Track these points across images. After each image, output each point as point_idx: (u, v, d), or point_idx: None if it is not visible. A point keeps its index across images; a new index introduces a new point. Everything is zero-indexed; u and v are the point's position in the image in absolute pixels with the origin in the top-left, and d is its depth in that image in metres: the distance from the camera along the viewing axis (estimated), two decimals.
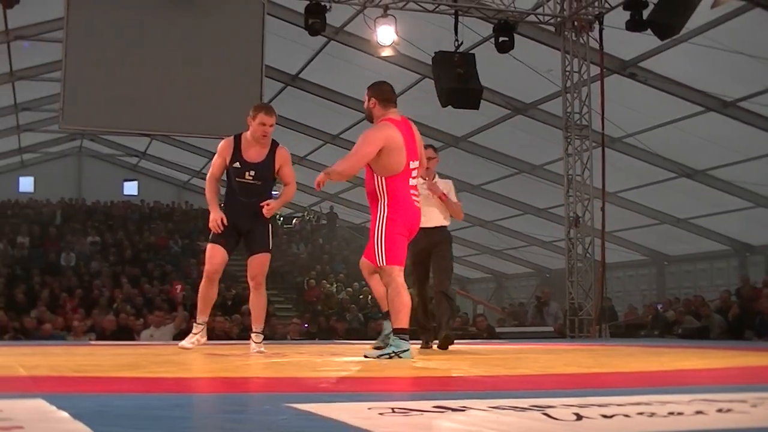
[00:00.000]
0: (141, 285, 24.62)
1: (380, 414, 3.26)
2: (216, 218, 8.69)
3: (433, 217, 9.85)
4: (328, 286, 27.67)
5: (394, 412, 3.32)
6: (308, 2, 17.10)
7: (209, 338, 9.81)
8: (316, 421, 3.09)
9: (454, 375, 5.88)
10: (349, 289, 26.78)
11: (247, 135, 8.79)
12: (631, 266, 30.40)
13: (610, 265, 21.35)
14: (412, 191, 7.81)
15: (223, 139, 8.93)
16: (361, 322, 22.53)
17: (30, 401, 3.59)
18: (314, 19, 17.13)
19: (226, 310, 20.96)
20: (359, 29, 19.12)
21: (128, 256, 28.58)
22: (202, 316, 9.29)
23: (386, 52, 18.48)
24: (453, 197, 10.11)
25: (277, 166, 8.84)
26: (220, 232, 8.68)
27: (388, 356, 7.43)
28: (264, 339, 9.17)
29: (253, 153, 8.74)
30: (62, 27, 16.88)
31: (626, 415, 3.17)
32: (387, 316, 8.19)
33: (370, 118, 8.13)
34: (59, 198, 35.76)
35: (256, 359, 7.88)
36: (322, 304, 25.46)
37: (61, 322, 19.41)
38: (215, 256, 8.84)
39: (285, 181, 9.07)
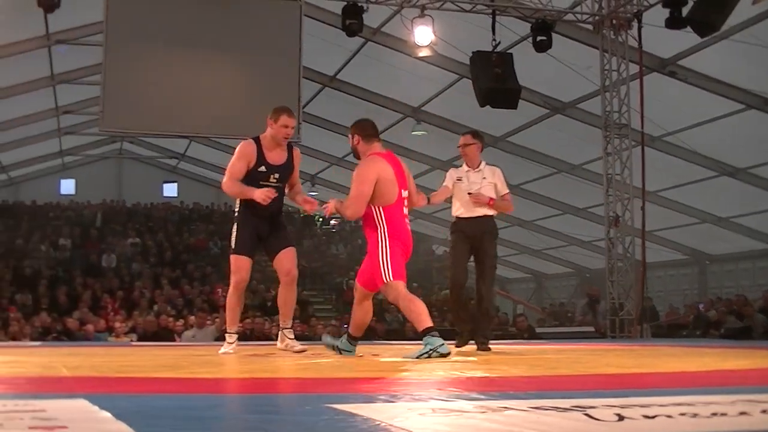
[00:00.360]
0: (181, 286, 24.77)
1: (420, 415, 3.25)
2: (263, 193, 8.48)
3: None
4: None
5: (434, 412, 3.31)
6: (345, 3, 17.14)
7: (249, 339, 9.82)
8: (356, 422, 3.08)
9: (494, 376, 5.86)
10: None
11: (266, 137, 8.77)
12: (672, 266, 30.16)
13: (650, 264, 21.21)
14: (405, 219, 8.19)
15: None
16: (400, 322, 22.49)
17: (73, 401, 3.61)
18: (351, 20, 17.17)
19: (265, 311, 21.05)
20: (396, 30, 19.12)
21: (168, 258, 28.76)
22: (233, 326, 9.30)
23: (423, 53, 18.50)
24: (503, 187, 10.03)
25: (295, 167, 8.90)
26: (267, 202, 8.50)
27: (427, 355, 7.54)
28: (304, 340, 9.20)
29: (275, 156, 8.76)
30: (102, 30, 17.01)
31: (669, 416, 3.14)
32: (350, 338, 8.71)
33: (356, 155, 8.37)
34: (100, 200, 36.02)
35: (295, 359, 7.88)
36: None
37: (103, 324, 19.57)
38: (243, 267, 8.91)
39: (293, 181, 9.08)
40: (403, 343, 13.62)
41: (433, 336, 7.67)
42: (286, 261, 8.91)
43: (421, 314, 7.82)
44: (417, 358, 7.55)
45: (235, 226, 8.98)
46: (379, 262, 7.95)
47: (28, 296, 23.10)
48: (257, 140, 8.78)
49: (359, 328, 8.60)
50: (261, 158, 8.67)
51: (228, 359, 7.82)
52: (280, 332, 9.26)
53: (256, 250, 9.11)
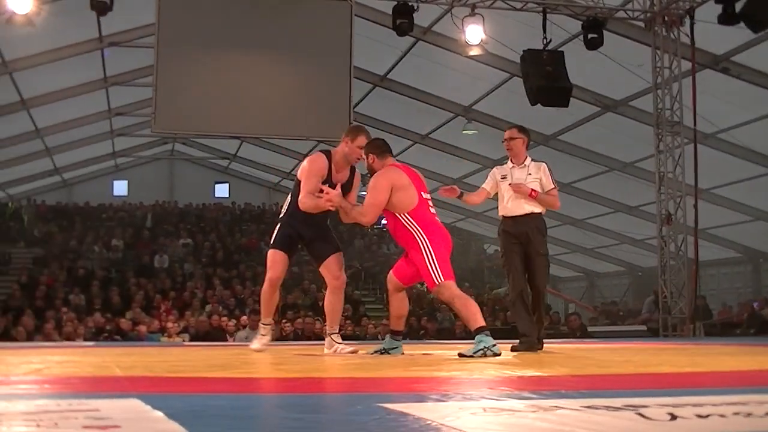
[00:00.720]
0: (233, 286, 24.89)
1: (472, 414, 3.25)
2: (333, 193, 8.35)
3: (520, 203, 9.61)
4: (419, 286, 27.64)
5: (485, 411, 3.30)
6: (396, 3, 17.15)
7: (300, 339, 9.80)
8: (407, 422, 3.08)
9: (545, 375, 5.84)
10: None
11: (338, 153, 8.72)
12: (726, 264, 29.89)
13: (703, 262, 21.04)
14: (435, 217, 8.30)
15: (313, 149, 8.86)
16: (451, 321, 22.48)
17: (126, 401, 3.64)
18: (402, 20, 17.20)
19: (317, 311, 21.10)
20: (447, 29, 19.11)
21: (220, 258, 28.92)
22: (267, 318, 9.33)
23: (474, 51, 18.48)
24: (548, 182, 9.70)
25: (353, 189, 8.91)
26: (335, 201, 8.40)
27: (481, 353, 7.66)
28: (355, 339, 9.17)
29: (341, 175, 8.74)
30: (153, 33, 17.13)
31: (722, 415, 3.11)
32: (393, 334, 8.70)
33: (372, 173, 8.43)
34: (152, 201, 36.32)
35: (346, 359, 7.90)
36: (413, 304, 25.44)
37: (156, 324, 19.72)
38: (280, 262, 8.90)
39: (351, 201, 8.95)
40: (454, 342, 13.60)
41: (486, 335, 7.80)
42: (334, 266, 8.89)
43: (475, 313, 7.97)
44: (472, 355, 7.63)
45: (278, 225, 8.99)
46: (426, 265, 8.00)
47: (82, 297, 23.34)
48: (328, 155, 8.73)
49: (398, 320, 8.66)
50: (329, 176, 8.64)
51: (280, 359, 7.84)
52: (327, 338, 9.16)
53: (294, 250, 9.09)
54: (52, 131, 27.26)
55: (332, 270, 8.90)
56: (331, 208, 8.41)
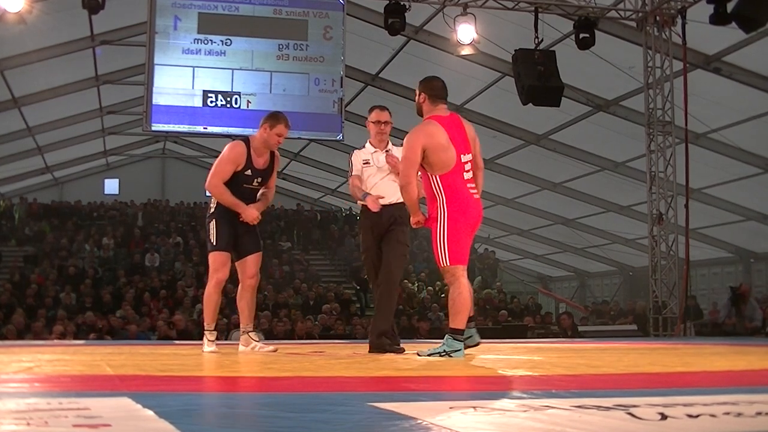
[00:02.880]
0: (224, 286, 24.84)
1: (462, 413, 3.25)
2: (252, 215, 8.61)
3: (391, 191, 8.93)
4: (410, 285, 27.66)
5: (476, 410, 3.31)
6: (388, 2, 17.16)
7: (290, 338, 9.77)
8: (398, 420, 3.09)
9: (536, 374, 5.85)
10: (431, 288, 26.73)
11: (256, 140, 8.75)
12: (717, 264, 29.95)
13: (694, 262, 21.05)
14: (468, 185, 7.73)
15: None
16: (443, 321, 22.49)
17: (117, 399, 3.64)
18: (394, 19, 17.22)
19: (307, 311, 21.10)
20: (439, 28, 19.12)
21: None
22: (213, 323, 9.21)
23: (466, 51, 18.49)
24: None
25: (274, 170, 8.93)
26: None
27: (439, 354, 7.48)
28: (346, 339, 9.14)
29: (261, 160, 8.75)
30: (145, 31, 17.14)
31: (712, 415, 3.12)
32: (452, 333, 7.89)
33: (419, 113, 8.02)
34: (144, 200, 36.27)
35: (338, 358, 7.89)
36: (404, 304, 25.47)
37: (148, 322, 19.69)
38: (227, 263, 8.87)
39: (270, 185, 9.03)
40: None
41: (456, 339, 7.56)
42: (253, 266, 8.88)
43: (461, 312, 7.62)
44: (429, 356, 7.50)
45: (213, 223, 8.83)
46: (437, 242, 7.66)
47: (73, 295, 23.30)
48: (246, 142, 8.73)
49: (456, 316, 7.70)
50: (249, 162, 8.65)
51: (270, 359, 7.83)
52: (243, 335, 9.12)
53: (233, 245, 8.97)
54: (44, 129, 27.25)
55: (250, 269, 8.90)
56: (248, 221, 8.64)
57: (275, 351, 8.80)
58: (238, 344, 9.33)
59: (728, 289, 21.30)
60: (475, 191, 7.80)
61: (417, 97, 8.03)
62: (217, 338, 9.42)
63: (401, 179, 7.83)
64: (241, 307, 9.10)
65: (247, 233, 8.88)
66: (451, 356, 7.41)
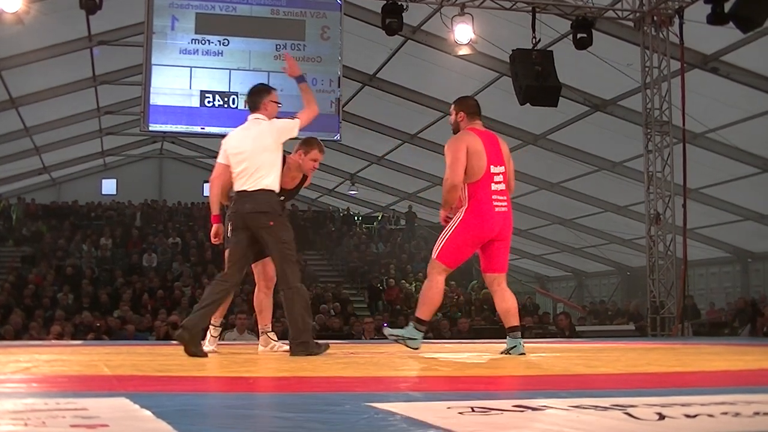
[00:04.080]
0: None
1: (460, 413, 3.25)
2: (214, 235, 8.53)
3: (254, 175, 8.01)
4: (408, 285, 27.67)
5: (473, 411, 3.31)
6: (385, 2, 17.16)
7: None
8: (395, 421, 3.09)
9: (534, 374, 5.85)
10: None
11: (292, 161, 8.72)
12: (714, 263, 29.97)
13: (692, 262, 21.09)
14: (494, 196, 7.89)
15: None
16: (441, 320, 22.48)
17: (114, 400, 3.64)
18: (391, 19, 17.21)
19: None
20: (436, 28, 19.12)
21: (209, 257, 28.86)
22: (219, 319, 9.23)
23: (463, 51, 18.49)
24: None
25: (300, 189, 9.03)
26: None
27: (395, 339, 8.02)
28: (343, 338, 9.13)
29: (292, 181, 8.76)
30: (143, 31, 17.13)
31: (710, 415, 3.12)
32: (510, 330, 8.11)
33: (456, 131, 8.22)
34: (141, 200, 36.26)
35: (336, 358, 7.90)
36: (402, 304, 25.47)
37: (145, 323, 19.68)
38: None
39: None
40: (442, 342, 13.63)
41: (417, 329, 7.97)
42: (271, 267, 8.81)
43: (425, 304, 7.99)
44: (388, 336, 8.13)
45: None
46: (441, 235, 7.99)
47: (70, 296, 23.30)
48: (282, 159, 8.43)
49: (506, 316, 8.11)
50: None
51: (269, 359, 7.83)
52: (263, 335, 9.17)
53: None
54: (41, 129, 27.24)
55: (268, 272, 8.91)
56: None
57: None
58: (232, 343, 9.32)
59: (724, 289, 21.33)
60: (502, 204, 7.97)
61: (454, 116, 8.32)
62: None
63: (451, 180, 7.85)
64: (259, 309, 9.15)
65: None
66: (406, 344, 7.89)
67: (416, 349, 7.88)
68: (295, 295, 7.80)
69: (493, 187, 7.89)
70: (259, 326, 9.25)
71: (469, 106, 8.33)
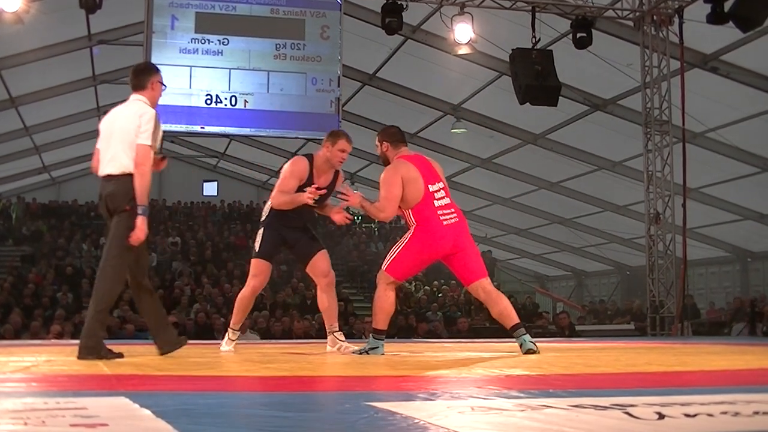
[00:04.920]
0: (221, 285, 24.84)
1: (460, 413, 3.25)
2: (309, 192, 8.36)
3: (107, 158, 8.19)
4: (407, 285, 27.64)
5: (473, 410, 3.31)
6: (385, 1, 17.16)
7: (289, 337, 9.73)
8: (395, 420, 3.09)
9: (533, 374, 5.85)
10: (427, 287, 26.73)
11: (320, 157, 8.70)
12: (714, 263, 29.98)
13: (691, 262, 21.08)
14: (440, 212, 8.03)
15: (301, 147, 8.74)
16: (439, 321, 22.47)
17: (114, 399, 3.64)
18: (391, 18, 17.21)
19: (305, 311, 21.08)
20: (436, 27, 19.11)
21: (208, 257, 28.85)
22: (239, 325, 9.32)
23: (463, 50, 18.48)
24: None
25: (334, 190, 8.90)
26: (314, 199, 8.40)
27: (359, 353, 8.12)
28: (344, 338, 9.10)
29: (323, 178, 8.71)
30: (143, 31, 17.14)
31: (710, 415, 3.12)
32: (512, 329, 8.15)
33: (386, 162, 8.38)
34: None
35: (335, 357, 7.91)
36: (401, 303, 25.44)
37: (144, 322, 19.67)
38: (265, 272, 8.90)
39: (326, 203, 8.97)
40: (442, 342, 13.62)
41: (378, 339, 8.09)
42: (323, 264, 8.84)
43: (378, 314, 8.08)
44: (360, 353, 8.05)
45: (261, 230, 8.89)
46: (391, 249, 8.11)
47: (70, 295, 23.27)
48: (310, 159, 8.71)
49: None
50: (310, 179, 8.59)
51: (269, 358, 7.83)
52: (330, 336, 9.11)
53: (277, 255, 9.07)
54: (41, 129, 27.26)
55: (321, 269, 8.86)
56: (309, 202, 8.40)
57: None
58: (246, 343, 9.31)
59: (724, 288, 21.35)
60: (451, 216, 8.09)
61: (379, 148, 8.48)
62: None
63: (384, 216, 8.12)
64: (323, 308, 9.11)
65: (303, 239, 8.92)
66: (368, 353, 7.97)
67: (382, 354, 7.98)
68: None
69: (437, 203, 8.04)
70: (326, 326, 9.22)
71: (391, 135, 8.50)
